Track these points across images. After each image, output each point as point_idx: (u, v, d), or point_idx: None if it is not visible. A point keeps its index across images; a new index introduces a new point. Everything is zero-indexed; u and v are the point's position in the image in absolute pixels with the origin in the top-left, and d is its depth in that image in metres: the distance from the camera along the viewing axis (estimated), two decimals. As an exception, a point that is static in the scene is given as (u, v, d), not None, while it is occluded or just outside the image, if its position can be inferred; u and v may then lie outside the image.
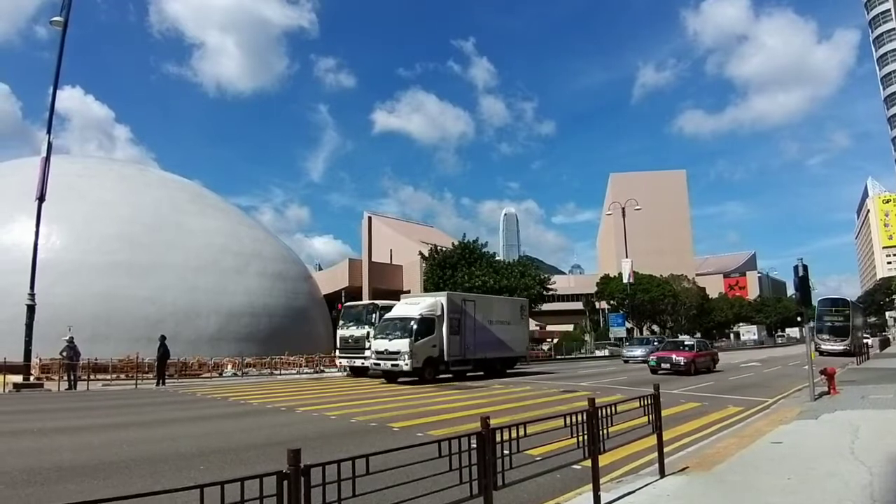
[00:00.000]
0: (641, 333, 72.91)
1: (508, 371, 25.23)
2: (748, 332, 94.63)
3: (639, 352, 34.64)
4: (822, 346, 36.71)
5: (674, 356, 23.23)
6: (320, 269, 69.75)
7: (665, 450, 6.58)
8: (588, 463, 5.17)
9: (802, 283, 14.42)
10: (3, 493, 5.89)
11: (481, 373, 23.53)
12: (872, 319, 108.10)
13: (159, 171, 48.28)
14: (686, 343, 26.68)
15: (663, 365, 23.18)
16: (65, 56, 21.29)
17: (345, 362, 24.86)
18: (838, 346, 36.00)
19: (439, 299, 21.70)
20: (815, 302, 39.58)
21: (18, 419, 12.00)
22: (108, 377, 22.89)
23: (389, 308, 23.34)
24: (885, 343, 48.82)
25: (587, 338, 66.72)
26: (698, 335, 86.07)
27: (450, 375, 22.16)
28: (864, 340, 41.21)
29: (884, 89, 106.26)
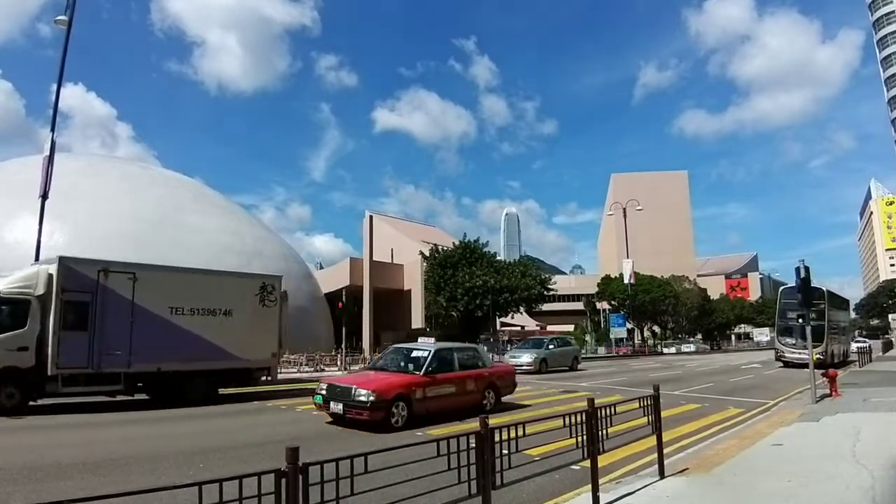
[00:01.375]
0: (642, 334, 73.02)
1: (224, 393, 15.26)
2: (761, 334, 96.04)
3: (525, 357, 25.71)
4: (786, 355, 27.66)
5: (355, 387, 10.15)
6: (321, 267, 69.77)
7: (665, 451, 6.57)
8: (587, 463, 5.17)
9: (804, 285, 14.39)
10: (4, 490, 5.90)
11: (147, 397, 13.91)
12: (875, 322, 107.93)
13: (161, 169, 48.36)
14: (415, 353, 12.02)
15: (334, 406, 10.22)
16: (67, 54, 21.30)
17: None
18: (807, 354, 27.52)
19: (43, 269, 12.82)
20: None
21: (19, 416, 12.01)
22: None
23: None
24: (888, 346, 48.61)
25: (588, 338, 66.71)
26: (699, 336, 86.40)
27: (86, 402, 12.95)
28: (859, 344, 34.49)
29: (888, 91, 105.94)
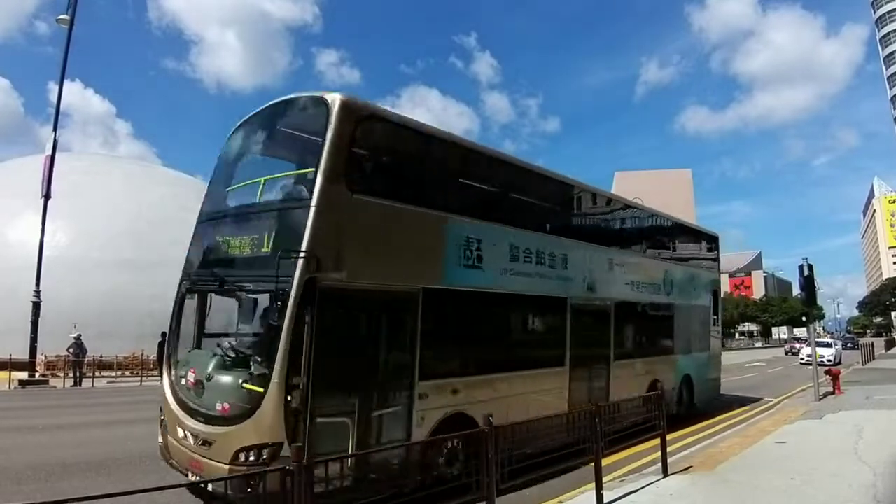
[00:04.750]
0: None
1: None
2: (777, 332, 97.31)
3: None
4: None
5: None
6: (324, 267, 69.96)
7: (668, 449, 6.56)
8: (591, 462, 5.17)
9: (808, 283, 14.34)
10: (9, 489, 5.92)
11: None
12: (878, 320, 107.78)
13: (163, 168, 48.33)
14: None
15: None
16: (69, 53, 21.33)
17: None
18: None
19: None
20: None
21: (23, 416, 12.05)
22: (114, 374, 22.99)
23: None
24: (890, 343, 48.48)
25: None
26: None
27: None
28: (822, 351, 21.09)
29: (890, 89, 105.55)
